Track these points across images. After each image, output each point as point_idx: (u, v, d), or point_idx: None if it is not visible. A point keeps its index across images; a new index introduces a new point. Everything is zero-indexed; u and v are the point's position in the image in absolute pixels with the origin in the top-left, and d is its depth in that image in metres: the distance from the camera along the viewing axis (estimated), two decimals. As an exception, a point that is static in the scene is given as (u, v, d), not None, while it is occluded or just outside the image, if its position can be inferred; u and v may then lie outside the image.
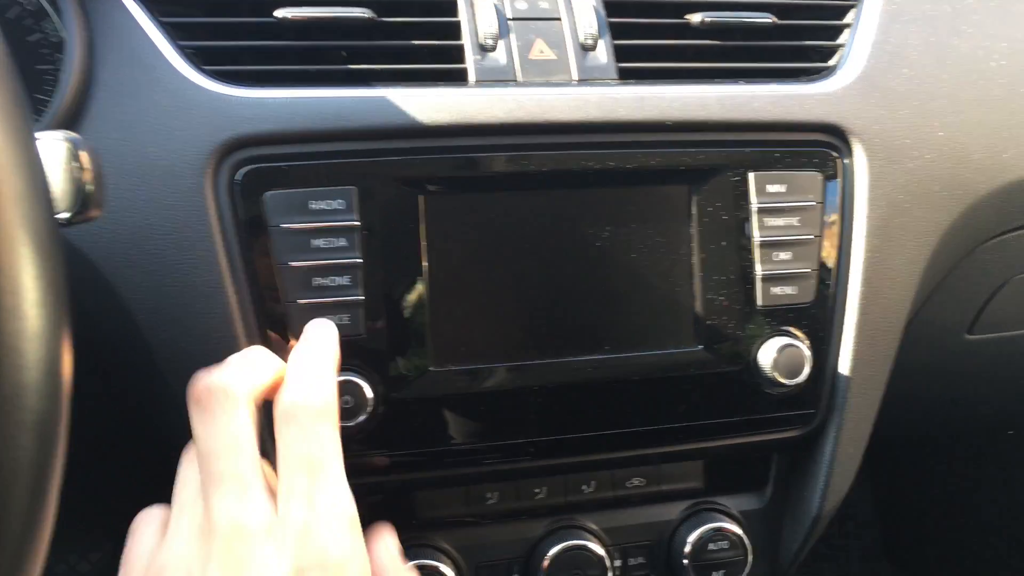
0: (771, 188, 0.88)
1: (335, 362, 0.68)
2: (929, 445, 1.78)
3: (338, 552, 0.56)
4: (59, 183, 0.50)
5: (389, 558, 0.68)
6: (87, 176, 0.51)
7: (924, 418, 1.33)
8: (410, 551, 0.90)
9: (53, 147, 0.50)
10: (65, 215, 0.50)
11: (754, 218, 0.87)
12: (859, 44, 0.93)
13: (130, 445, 0.94)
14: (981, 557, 1.72)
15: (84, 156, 0.52)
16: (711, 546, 0.94)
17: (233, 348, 0.77)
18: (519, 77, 0.85)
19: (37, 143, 0.44)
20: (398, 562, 0.69)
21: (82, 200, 0.51)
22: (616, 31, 0.89)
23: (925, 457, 1.81)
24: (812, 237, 0.89)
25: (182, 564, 0.56)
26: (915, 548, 1.89)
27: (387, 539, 0.70)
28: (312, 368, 0.64)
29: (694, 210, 0.86)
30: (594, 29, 0.87)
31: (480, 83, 0.84)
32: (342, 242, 0.79)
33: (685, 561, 0.94)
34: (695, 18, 0.91)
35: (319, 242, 0.78)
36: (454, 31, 0.87)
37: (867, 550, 1.99)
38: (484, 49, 0.86)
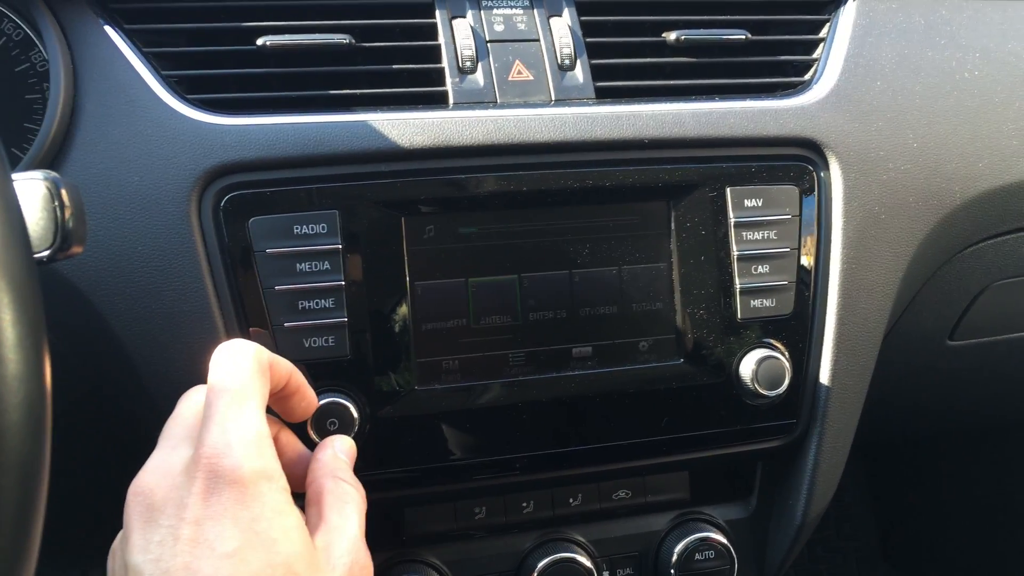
0: (748, 202, 0.89)
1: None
2: (924, 447, 1.79)
3: (250, 466, 0.59)
4: (39, 222, 0.51)
5: (331, 457, 0.72)
6: (68, 214, 0.53)
7: (910, 423, 1.35)
8: (400, 567, 0.91)
9: (32, 187, 0.51)
10: (46, 253, 0.52)
11: (732, 232, 0.89)
12: (833, 58, 0.95)
13: (120, 465, 0.95)
14: (977, 557, 1.73)
15: (64, 194, 0.53)
16: (698, 556, 0.95)
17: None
18: (498, 98, 0.87)
19: (15, 184, 0.46)
20: (339, 461, 0.73)
21: (63, 237, 0.52)
22: (593, 51, 0.90)
23: (921, 459, 1.82)
24: (789, 250, 0.90)
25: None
26: (912, 549, 1.90)
27: (336, 442, 0.75)
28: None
29: (673, 225, 0.88)
30: (571, 49, 0.89)
31: (459, 105, 0.86)
32: (325, 265, 0.80)
33: (672, 571, 0.95)
34: (671, 36, 0.92)
35: (303, 266, 0.80)
36: (434, 54, 0.88)
37: (864, 551, 1.99)
38: (463, 71, 0.87)
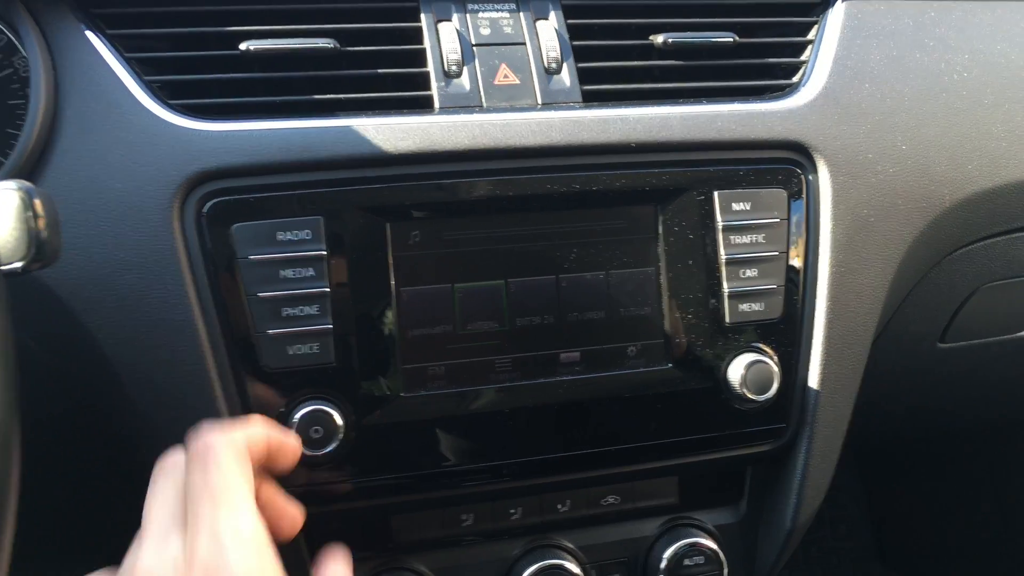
0: (736, 206, 0.89)
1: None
2: (917, 448, 1.79)
3: (249, 574, 0.57)
4: (12, 233, 0.51)
5: None
6: (41, 224, 0.52)
7: (902, 425, 1.34)
8: (387, 575, 0.90)
9: (4, 197, 0.51)
10: (19, 264, 0.51)
11: (720, 236, 0.88)
12: (821, 61, 0.94)
13: (103, 473, 0.94)
14: (972, 558, 1.73)
15: (38, 204, 0.52)
16: (687, 561, 0.95)
17: (203, 380, 0.78)
18: (484, 102, 0.86)
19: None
20: None
21: (37, 248, 0.52)
22: (580, 54, 0.90)
23: (915, 460, 1.82)
24: (778, 253, 0.90)
25: None
26: (907, 550, 1.90)
27: (338, 566, 0.71)
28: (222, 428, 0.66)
29: (661, 229, 0.87)
30: (558, 53, 0.88)
31: (445, 110, 0.85)
32: (310, 272, 0.79)
33: (661, 576, 0.95)
34: (658, 39, 0.92)
35: (287, 272, 0.79)
36: (419, 59, 0.87)
37: (859, 552, 1.99)
38: (449, 76, 0.86)
